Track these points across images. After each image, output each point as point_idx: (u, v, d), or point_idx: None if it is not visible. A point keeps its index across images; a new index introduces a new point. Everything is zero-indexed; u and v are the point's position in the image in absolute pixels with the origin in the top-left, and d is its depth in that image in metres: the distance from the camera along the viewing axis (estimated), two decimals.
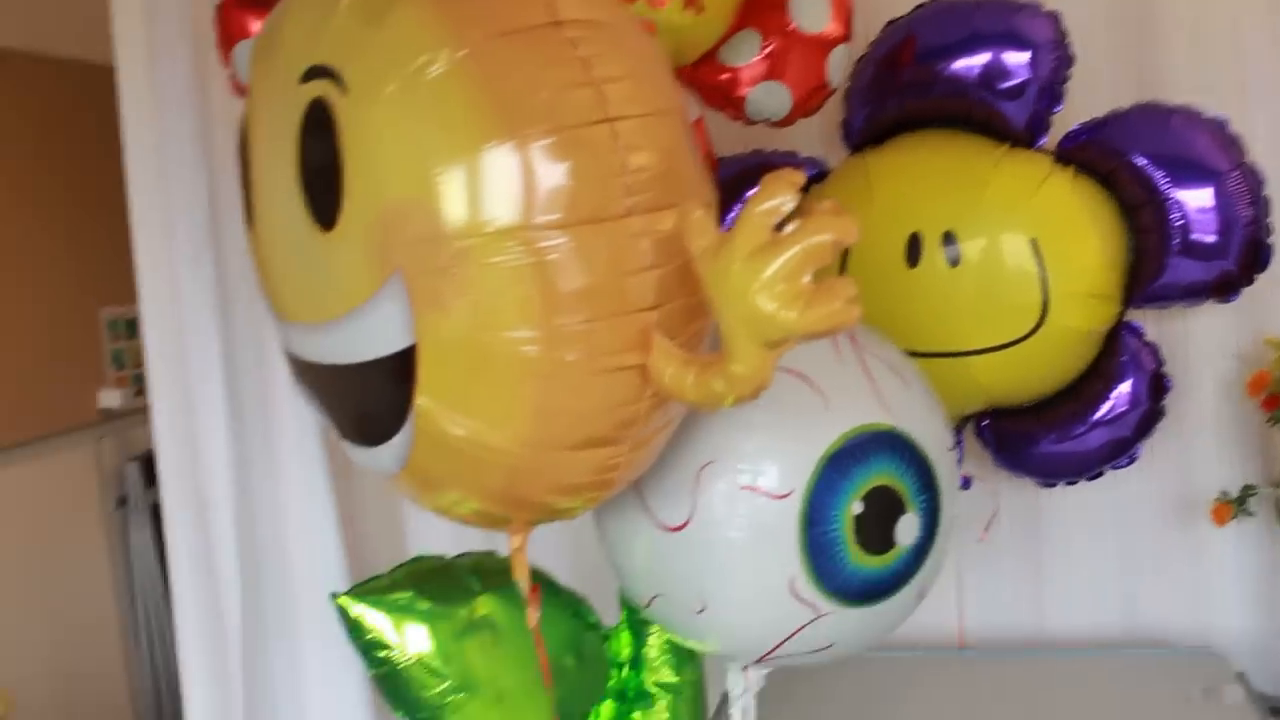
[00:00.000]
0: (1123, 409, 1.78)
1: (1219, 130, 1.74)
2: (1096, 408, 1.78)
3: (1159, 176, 1.72)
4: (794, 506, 1.32)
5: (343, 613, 1.38)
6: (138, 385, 3.64)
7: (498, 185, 1.04)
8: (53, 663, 3.40)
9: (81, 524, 3.55)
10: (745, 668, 1.47)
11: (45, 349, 3.44)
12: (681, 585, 1.36)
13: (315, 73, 1.10)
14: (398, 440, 1.17)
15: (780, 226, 0.97)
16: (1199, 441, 2.01)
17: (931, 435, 1.41)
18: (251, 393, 1.90)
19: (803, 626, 1.35)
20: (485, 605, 1.40)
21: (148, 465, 3.51)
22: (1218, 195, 1.71)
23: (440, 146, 1.04)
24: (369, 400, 1.18)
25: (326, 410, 1.27)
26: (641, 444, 1.18)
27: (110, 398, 3.55)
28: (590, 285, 1.07)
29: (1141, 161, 1.72)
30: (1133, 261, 1.75)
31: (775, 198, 0.97)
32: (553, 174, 1.05)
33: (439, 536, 2.03)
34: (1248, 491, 1.89)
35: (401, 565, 1.45)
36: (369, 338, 1.12)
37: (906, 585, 1.40)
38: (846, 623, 1.37)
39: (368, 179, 1.07)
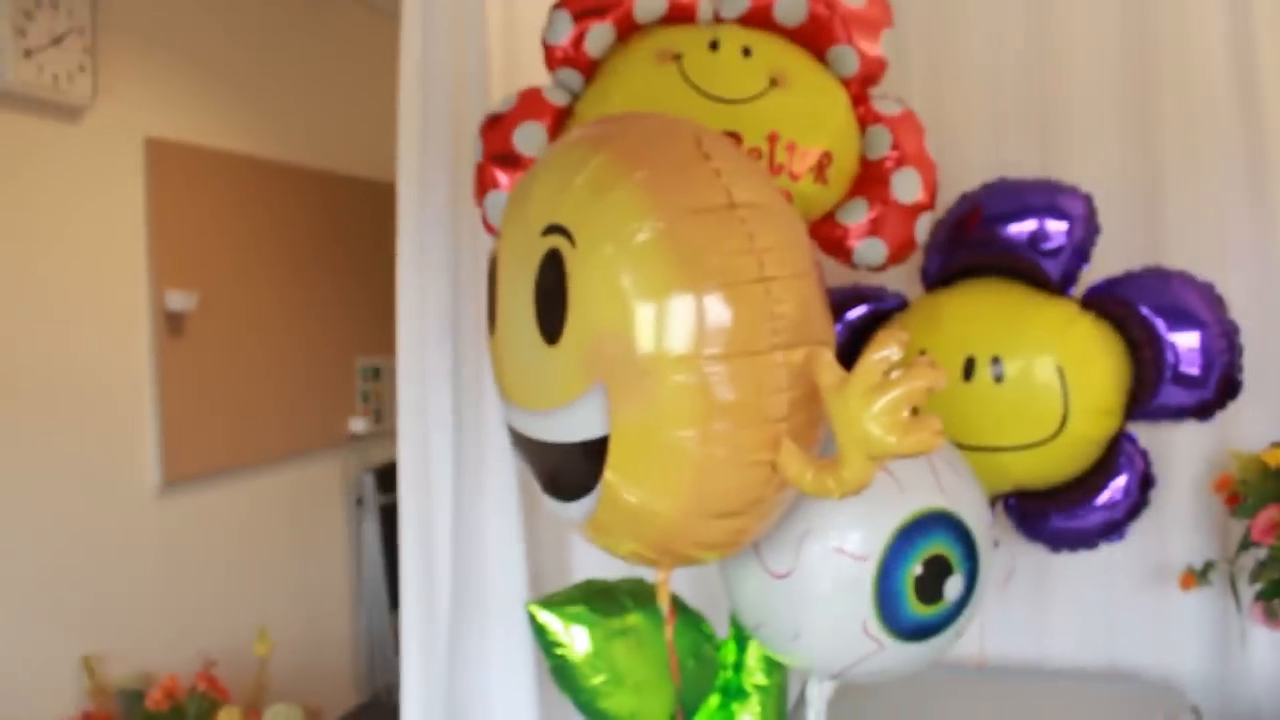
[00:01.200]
0: (1118, 498, 1.73)
1: (1208, 291, 1.70)
2: (1098, 496, 1.74)
3: (1159, 323, 1.68)
4: (870, 567, 1.30)
5: (531, 617, 1.40)
6: (378, 416, 3.78)
7: (679, 324, 1.06)
8: (301, 616, 3.50)
9: (329, 516, 3.66)
10: (823, 681, 1.46)
11: (316, 386, 3.58)
12: (781, 618, 1.36)
13: (554, 229, 1.13)
14: (586, 500, 1.19)
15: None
16: (1174, 525, 1.95)
17: (976, 515, 1.39)
18: (470, 439, 1.93)
19: (870, 654, 1.34)
20: (633, 618, 1.41)
21: (380, 476, 3.66)
22: (1203, 341, 1.67)
23: (640, 292, 1.06)
24: (569, 469, 1.20)
25: (533, 470, 1.28)
26: (765, 516, 1.19)
27: (358, 424, 3.66)
28: (739, 401, 1.07)
29: (1146, 311, 1.68)
30: (1134, 387, 1.71)
31: (886, 349, 0.98)
32: (720, 318, 1.06)
33: (596, 562, 2.05)
34: (1209, 566, 1.83)
35: (577, 585, 1.47)
36: (575, 426, 1.15)
37: (949, 628, 1.38)
38: (902, 653, 1.35)
39: (584, 310, 1.10)
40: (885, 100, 1.65)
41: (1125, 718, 1.87)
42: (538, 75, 1.64)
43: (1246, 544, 1.73)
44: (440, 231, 1.91)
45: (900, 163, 1.59)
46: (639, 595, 1.46)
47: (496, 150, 1.54)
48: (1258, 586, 1.76)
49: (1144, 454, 1.75)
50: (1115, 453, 1.74)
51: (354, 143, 3.69)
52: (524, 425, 1.25)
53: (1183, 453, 1.94)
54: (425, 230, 1.89)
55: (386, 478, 3.56)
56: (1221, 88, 1.84)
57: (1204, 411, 1.70)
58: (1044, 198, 1.72)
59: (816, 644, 1.35)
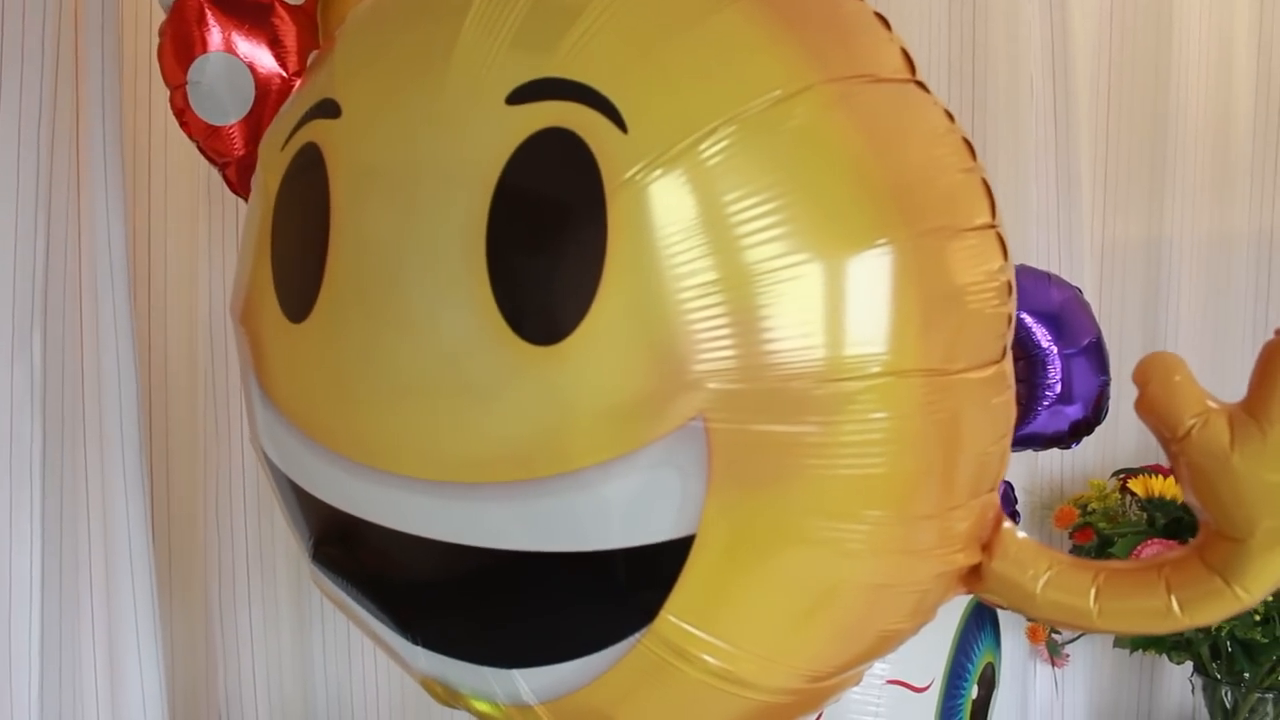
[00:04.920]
0: None
1: (1080, 297, 1.46)
2: None
3: (1039, 334, 1.40)
4: (932, 699, 0.84)
5: None
6: None
7: (893, 303, 0.51)
8: None
9: None
10: None
11: None
12: None
13: (550, 89, 0.52)
14: (572, 666, 0.58)
15: None
16: None
17: None
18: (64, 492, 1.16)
19: None
20: None
21: None
22: (1087, 357, 1.41)
23: (809, 232, 0.50)
24: (545, 608, 0.58)
25: (402, 606, 0.62)
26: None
27: None
28: (965, 455, 0.56)
29: (1028, 319, 1.39)
30: None
31: None
32: (957, 293, 0.54)
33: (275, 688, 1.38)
34: None
35: None
36: (598, 516, 0.53)
37: None
38: None
39: (659, 272, 0.50)
40: None
41: None
42: None
43: None
44: (11, 148, 1.11)
45: None
46: None
47: None
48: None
49: (1010, 487, 1.46)
50: None
51: None
52: (423, 514, 0.58)
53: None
54: None
55: None
56: (1038, 56, 1.63)
57: (1075, 438, 1.45)
58: None
59: None
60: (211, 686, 1.42)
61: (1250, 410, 0.52)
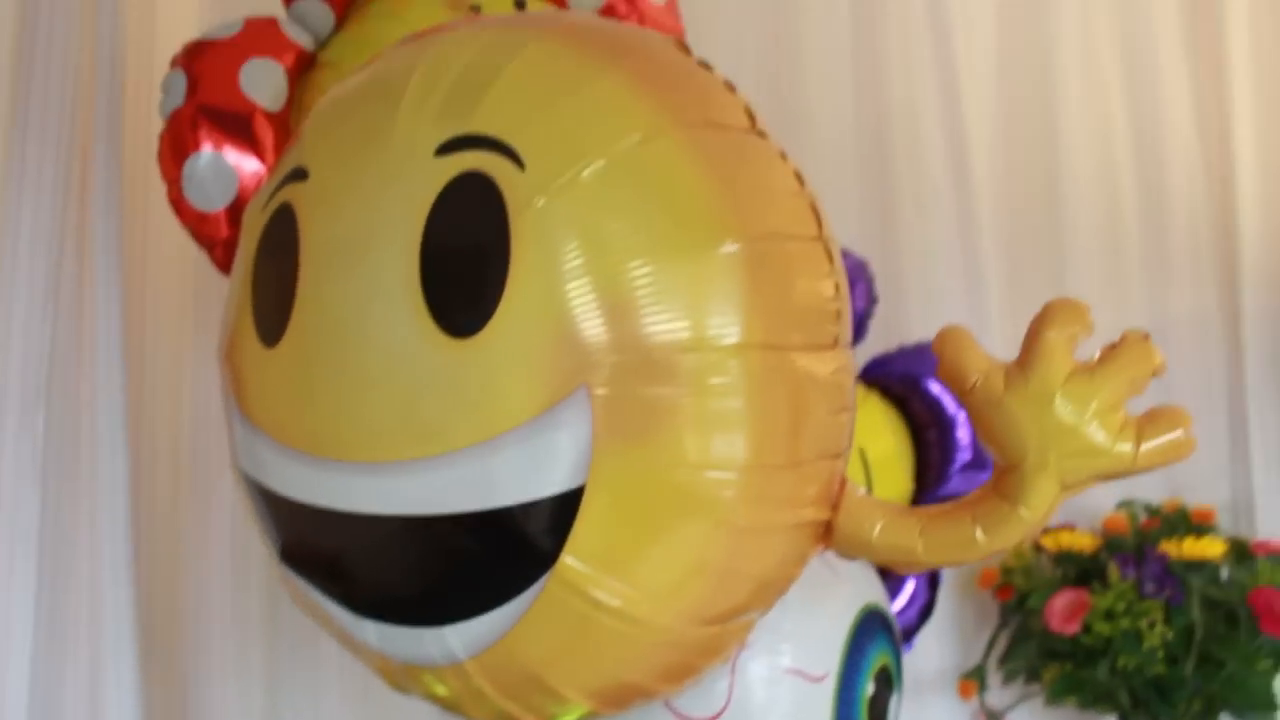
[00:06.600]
0: (906, 603, 1.53)
1: None
2: (891, 601, 1.52)
3: (947, 401, 1.53)
4: (829, 689, 0.93)
5: None
6: None
7: (730, 290, 0.65)
8: None
9: None
10: None
11: None
12: None
13: (466, 143, 0.66)
14: (492, 618, 0.68)
15: None
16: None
17: (891, 613, 1.09)
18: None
19: None
20: None
21: None
22: None
23: (665, 239, 0.64)
24: (466, 563, 0.68)
25: (351, 582, 0.73)
26: (764, 612, 0.77)
27: None
28: (806, 419, 0.68)
29: (934, 389, 1.53)
30: (919, 473, 1.54)
31: (1073, 324, 0.66)
32: (788, 287, 0.68)
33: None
34: (979, 669, 1.65)
35: None
36: (507, 476, 0.65)
37: None
38: None
39: (551, 274, 0.64)
40: None
41: None
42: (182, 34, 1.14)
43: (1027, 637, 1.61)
44: (25, 250, 1.26)
45: None
46: None
47: (211, 97, 1.00)
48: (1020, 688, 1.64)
49: None
50: None
51: None
52: (365, 492, 0.69)
53: None
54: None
55: None
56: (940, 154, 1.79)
57: None
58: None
59: None
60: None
61: (1019, 362, 0.65)
